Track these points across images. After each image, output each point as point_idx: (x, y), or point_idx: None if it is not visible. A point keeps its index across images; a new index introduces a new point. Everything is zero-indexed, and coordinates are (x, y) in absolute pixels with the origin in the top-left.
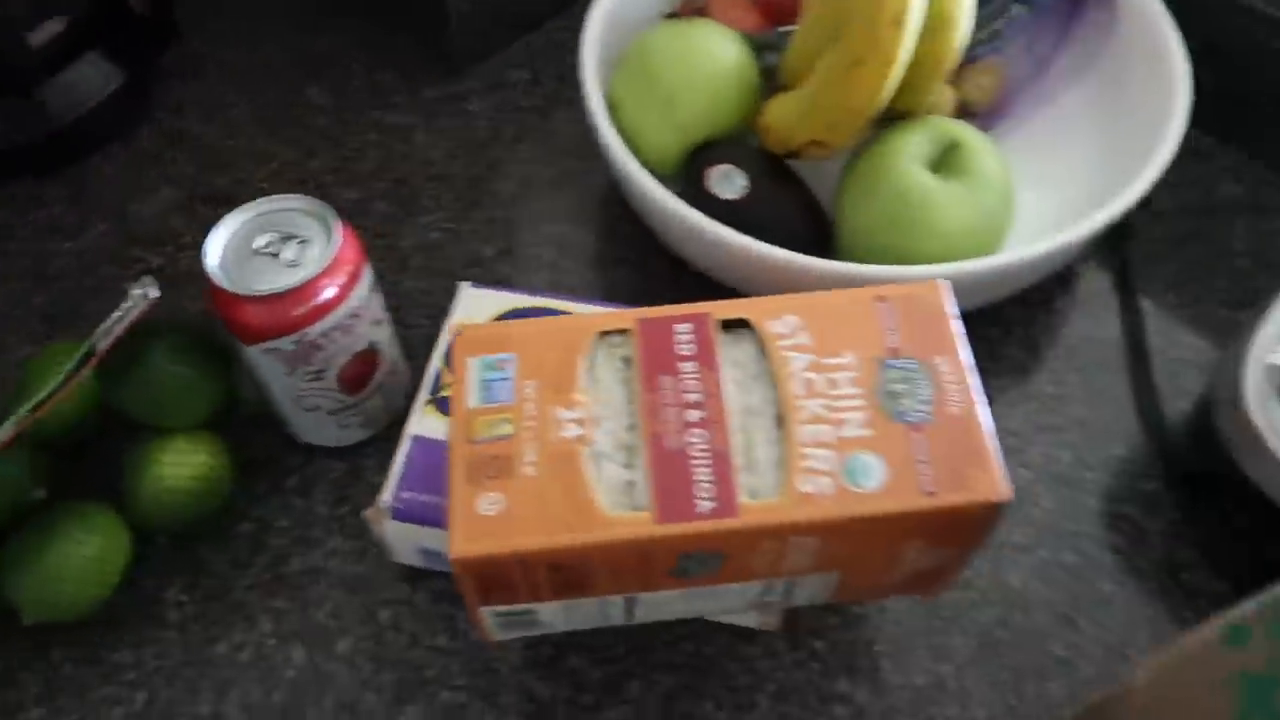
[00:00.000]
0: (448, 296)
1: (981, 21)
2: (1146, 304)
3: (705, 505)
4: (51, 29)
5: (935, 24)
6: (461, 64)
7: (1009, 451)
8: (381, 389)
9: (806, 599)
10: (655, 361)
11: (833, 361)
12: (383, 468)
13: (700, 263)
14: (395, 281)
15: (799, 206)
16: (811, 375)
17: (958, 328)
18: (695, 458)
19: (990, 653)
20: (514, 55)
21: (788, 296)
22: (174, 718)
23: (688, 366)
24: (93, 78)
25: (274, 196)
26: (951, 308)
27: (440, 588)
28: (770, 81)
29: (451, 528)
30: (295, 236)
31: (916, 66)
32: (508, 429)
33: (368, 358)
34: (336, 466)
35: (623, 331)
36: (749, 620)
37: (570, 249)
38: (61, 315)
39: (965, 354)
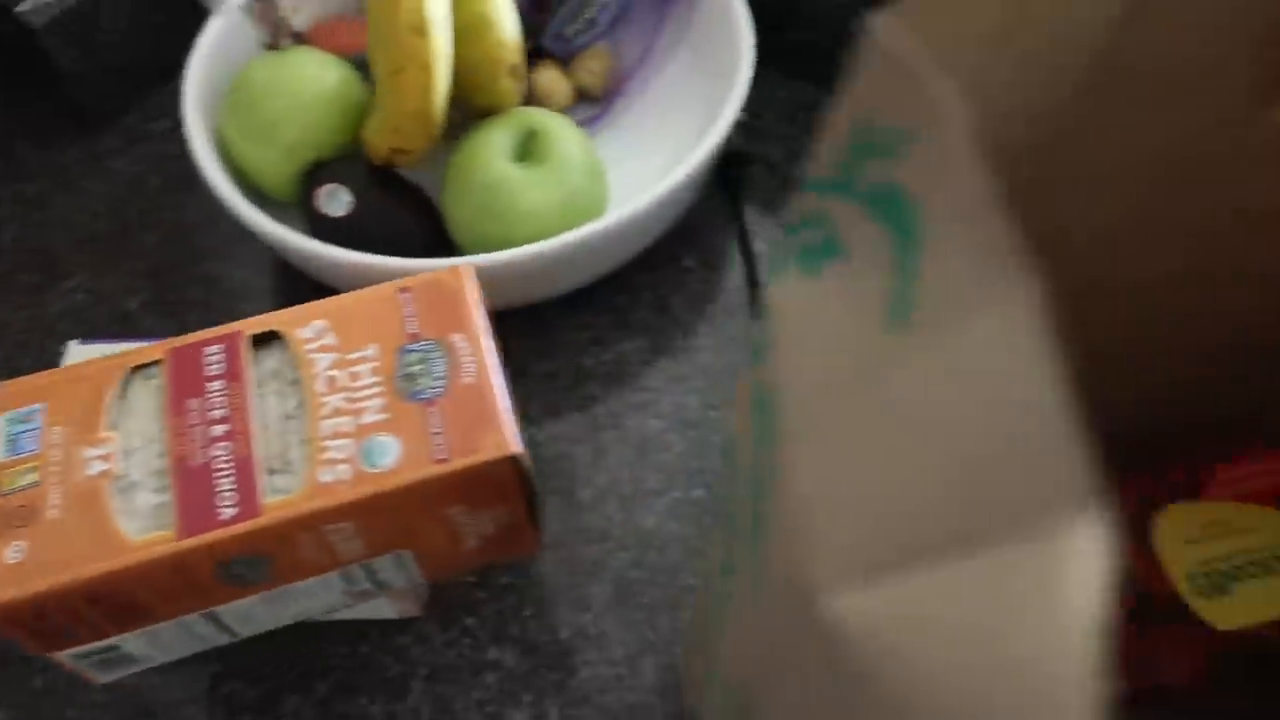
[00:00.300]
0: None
1: (574, 11)
2: (763, 247)
3: (228, 512)
4: None
5: (475, 26)
6: (95, 122)
7: (642, 406)
8: None
9: (398, 581)
10: (182, 386)
11: (355, 356)
12: None
13: (331, 284)
14: (41, 349)
15: (411, 213)
16: (335, 372)
17: (476, 305)
18: (218, 470)
19: (626, 594)
20: (153, 106)
21: (316, 303)
22: None
23: (215, 385)
24: None
25: None
26: (472, 286)
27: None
28: None
29: None
30: None
31: (475, 67)
32: (33, 477)
33: None
34: None
35: (158, 363)
36: (388, 612)
37: (218, 286)
38: None
39: (481, 326)
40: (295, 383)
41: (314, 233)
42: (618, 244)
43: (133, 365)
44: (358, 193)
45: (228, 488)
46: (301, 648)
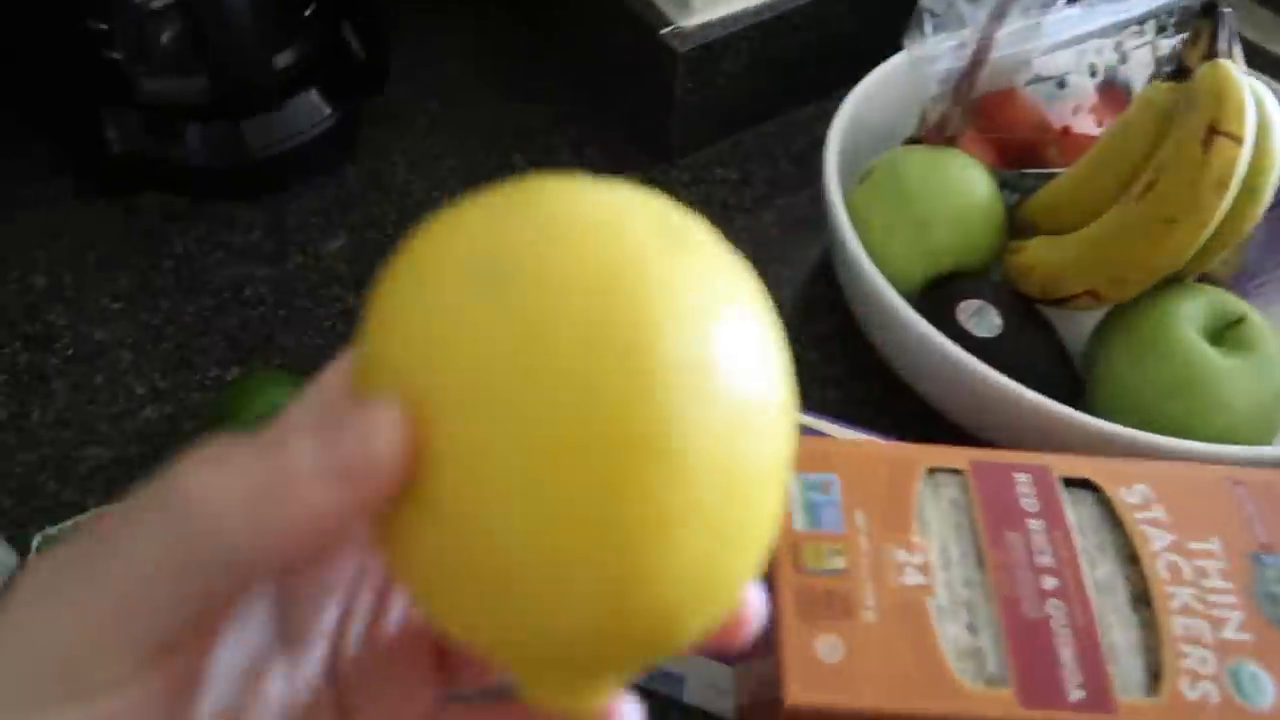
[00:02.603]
0: None
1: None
2: None
3: (1076, 694)
4: (281, 60)
5: (1242, 193)
6: (668, 155)
7: None
8: None
9: None
10: (998, 512)
11: (1198, 546)
12: None
13: (933, 397)
14: None
15: (1050, 353)
16: (1176, 558)
17: None
18: (1057, 633)
19: None
20: (722, 153)
21: (1133, 462)
22: None
23: (1034, 524)
24: (306, 112)
25: None
26: None
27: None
28: (1010, 221)
29: (784, 668)
30: None
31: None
32: (840, 563)
33: None
34: None
35: (953, 471)
36: None
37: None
38: (251, 342)
39: None
40: (1104, 548)
41: None
42: None
43: (929, 466)
44: (1005, 317)
45: (1071, 661)
46: None
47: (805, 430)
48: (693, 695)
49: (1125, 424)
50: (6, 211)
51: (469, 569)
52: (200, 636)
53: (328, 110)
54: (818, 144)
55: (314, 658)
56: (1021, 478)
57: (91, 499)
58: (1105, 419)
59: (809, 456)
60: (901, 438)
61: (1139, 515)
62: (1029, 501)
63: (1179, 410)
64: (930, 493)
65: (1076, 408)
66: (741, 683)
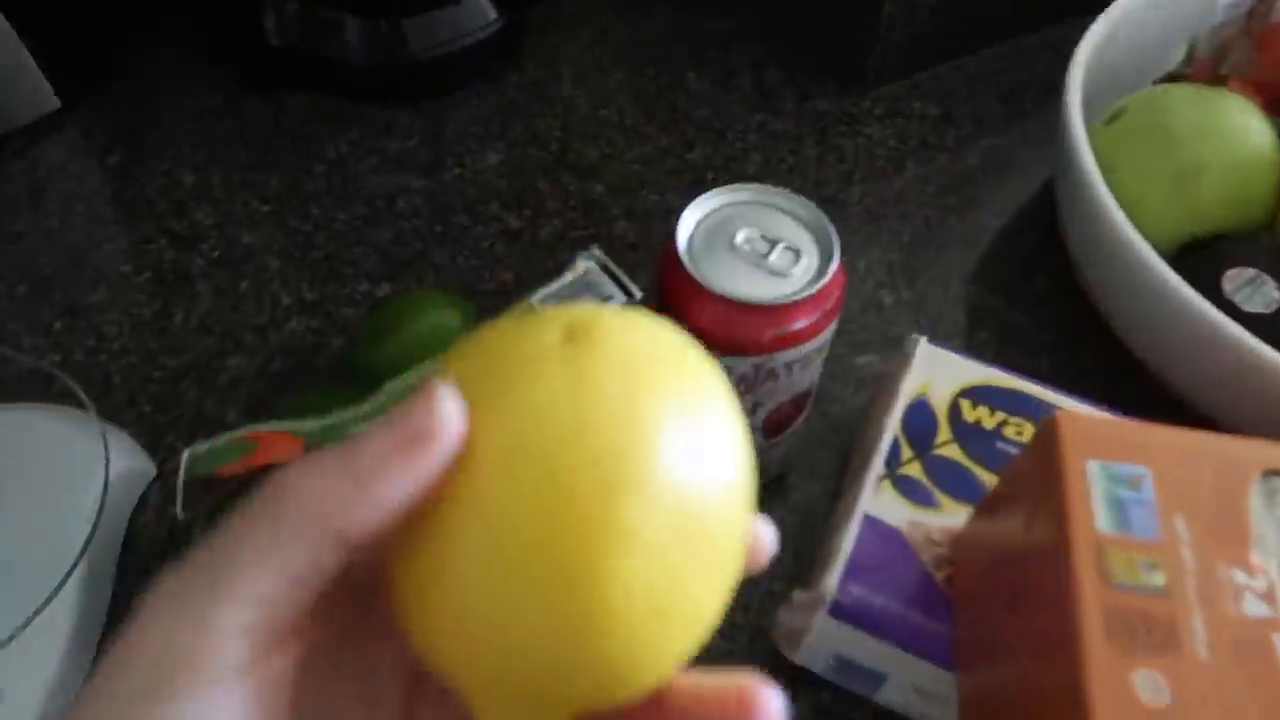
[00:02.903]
0: (853, 334)
1: None
2: None
3: None
4: None
5: None
6: (862, 83)
7: None
8: (787, 438)
9: None
10: None
11: None
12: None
13: (1178, 379)
14: None
15: None
16: None
17: None
18: None
19: None
20: (921, 85)
21: None
22: None
23: None
24: (472, 14)
25: (760, 187)
26: None
27: (825, 702)
28: None
29: (1095, 705)
30: (783, 242)
31: None
32: (1160, 579)
33: (800, 402)
34: None
35: None
36: None
37: (985, 319)
38: (403, 257)
39: None
40: None
41: None
42: None
43: (1266, 469)
44: None
45: None
46: None
47: (1050, 409)
48: (890, 697)
49: None
50: (160, 102)
51: (455, 613)
52: (300, 635)
53: (494, 14)
54: (1032, 79)
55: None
56: None
57: (232, 411)
58: None
59: (1115, 443)
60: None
61: None
62: None
63: None
64: (1263, 500)
65: None
66: (974, 693)
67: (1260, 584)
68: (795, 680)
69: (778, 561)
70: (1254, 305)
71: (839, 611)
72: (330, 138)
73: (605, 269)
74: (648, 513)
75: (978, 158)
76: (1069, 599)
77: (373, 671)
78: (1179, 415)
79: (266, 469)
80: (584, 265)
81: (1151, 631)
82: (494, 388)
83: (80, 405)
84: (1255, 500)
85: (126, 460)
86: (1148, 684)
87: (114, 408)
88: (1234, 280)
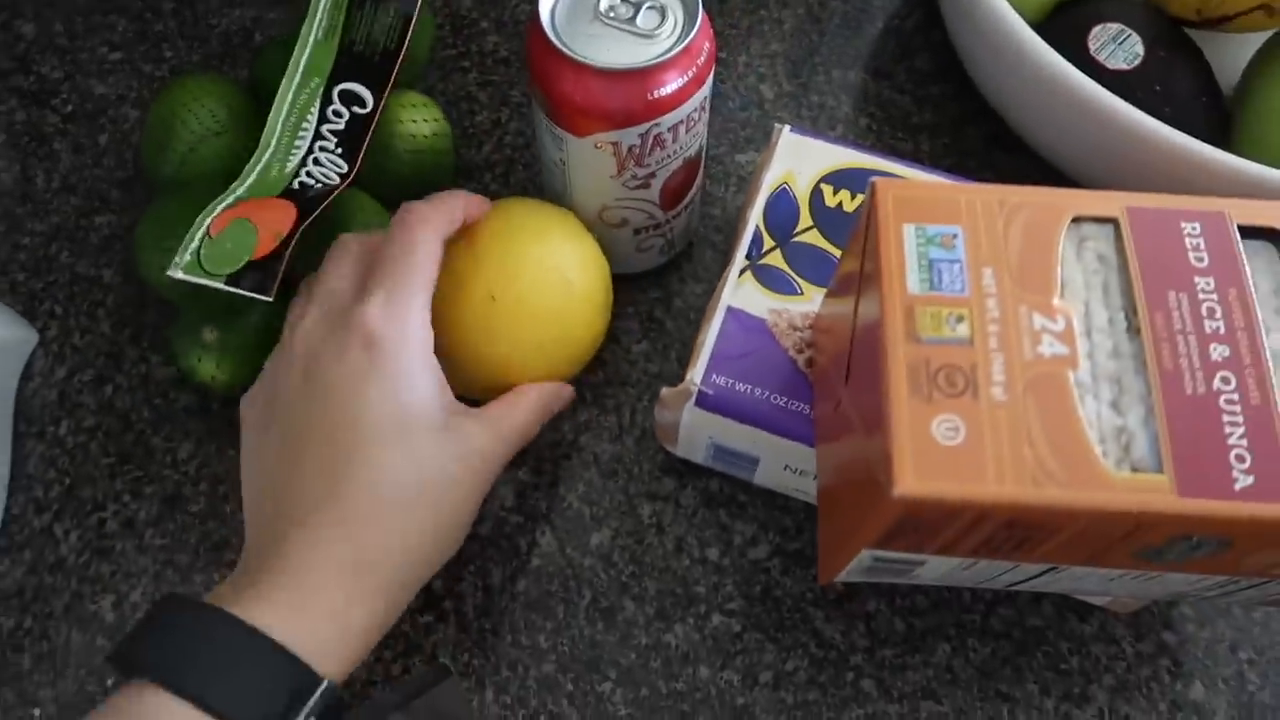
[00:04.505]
0: (734, 133)
1: None
2: None
3: (1244, 481)
4: None
5: None
6: None
7: None
8: (689, 209)
9: (1252, 599)
10: (1158, 269)
11: None
12: (646, 331)
13: (1047, 145)
14: None
15: (1198, 88)
16: None
17: None
18: (1226, 412)
19: None
20: None
21: None
22: None
23: (1204, 283)
24: None
25: None
26: None
27: (713, 489)
28: None
29: (895, 454)
30: (646, 3)
31: None
32: (964, 330)
33: (692, 168)
34: None
35: (1102, 221)
36: (1095, 598)
37: (867, 104)
38: None
39: None
40: None
41: None
42: None
43: (1075, 214)
44: (1148, 44)
45: (1239, 445)
46: (954, 592)
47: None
48: (765, 478)
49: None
50: None
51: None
52: None
53: None
54: None
55: None
56: (1190, 227)
57: (107, 272)
58: (1260, 163)
59: (929, 205)
60: None
61: None
62: (1198, 256)
63: None
64: (1073, 247)
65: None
66: (826, 464)
67: (1059, 326)
68: (683, 474)
69: (664, 365)
70: (1117, 61)
71: (705, 402)
72: None
73: None
74: (512, 310)
75: None
76: (881, 360)
77: None
78: (1055, 184)
79: (292, 236)
80: None
81: (953, 380)
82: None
83: None
84: (1065, 247)
85: (5, 330)
86: (945, 427)
87: None
88: (1099, 37)
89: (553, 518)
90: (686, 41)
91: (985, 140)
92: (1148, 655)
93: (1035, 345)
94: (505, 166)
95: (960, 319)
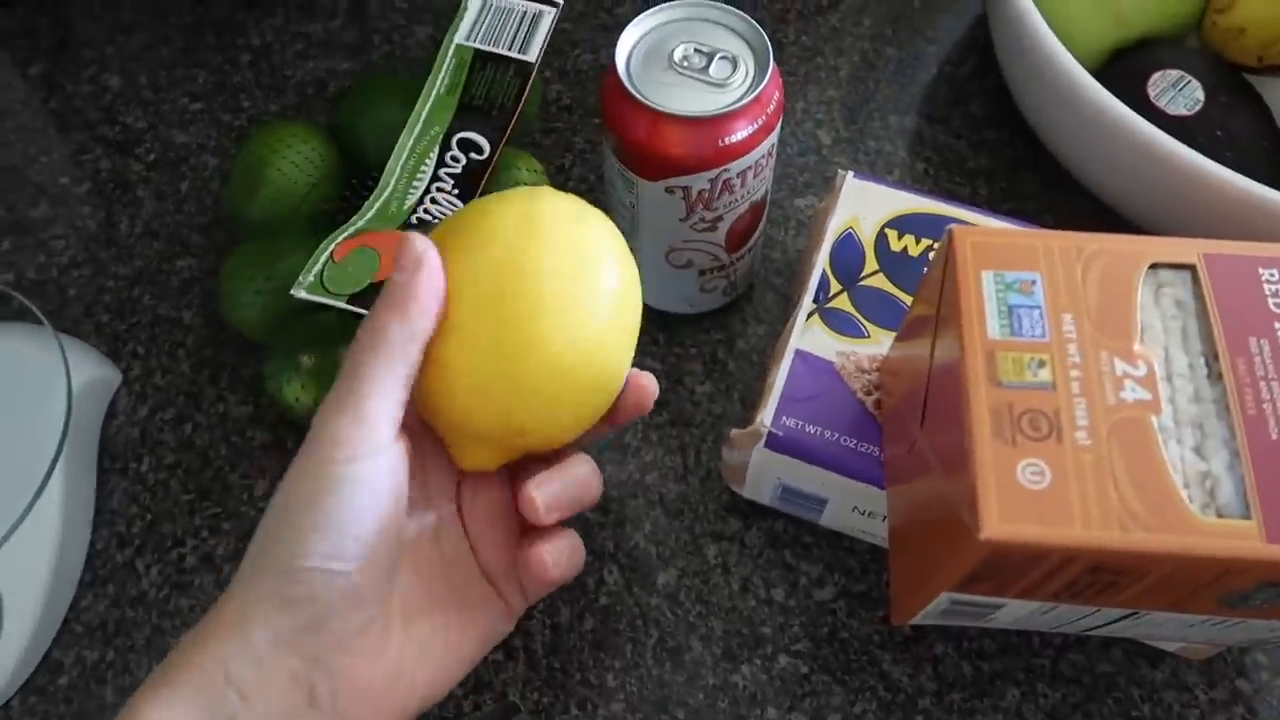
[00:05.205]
0: (793, 178)
1: None
2: None
3: None
4: None
5: None
6: None
7: None
8: (752, 251)
9: None
10: (1239, 315)
11: None
12: (710, 372)
13: (1108, 190)
14: None
15: (1259, 133)
16: None
17: None
18: None
19: None
20: None
21: None
22: None
23: None
24: None
25: (692, 2)
26: None
27: (778, 530)
28: None
29: (981, 497)
30: (720, 53)
31: None
32: (1046, 375)
33: (757, 211)
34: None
35: (1178, 267)
36: (1170, 644)
37: (923, 148)
38: None
39: None
40: None
41: None
42: None
43: (1153, 261)
44: (1208, 91)
45: None
46: (1023, 637)
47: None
48: (833, 519)
49: None
50: (74, 7)
51: (444, 387)
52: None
53: None
54: None
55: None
56: (1269, 273)
57: (187, 313)
58: None
59: (1007, 251)
60: None
61: None
62: (1277, 301)
63: None
64: (1150, 293)
65: None
66: (899, 506)
67: (1140, 371)
68: (748, 514)
69: (727, 405)
70: (1178, 107)
71: (774, 443)
72: (253, 25)
73: None
74: (550, 333)
75: None
76: (964, 405)
77: (428, 478)
78: (1114, 228)
79: None
80: (477, 1)
81: (1037, 424)
82: (465, 248)
83: (37, 321)
84: (1143, 293)
85: (91, 370)
86: (1030, 470)
87: (72, 320)
88: (1158, 84)
89: (619, 557)
90: (758, 91)
91: (1042, 184)
92: (1221, 702)
93: (1118, 390)
94: None
95: (1042, 364)
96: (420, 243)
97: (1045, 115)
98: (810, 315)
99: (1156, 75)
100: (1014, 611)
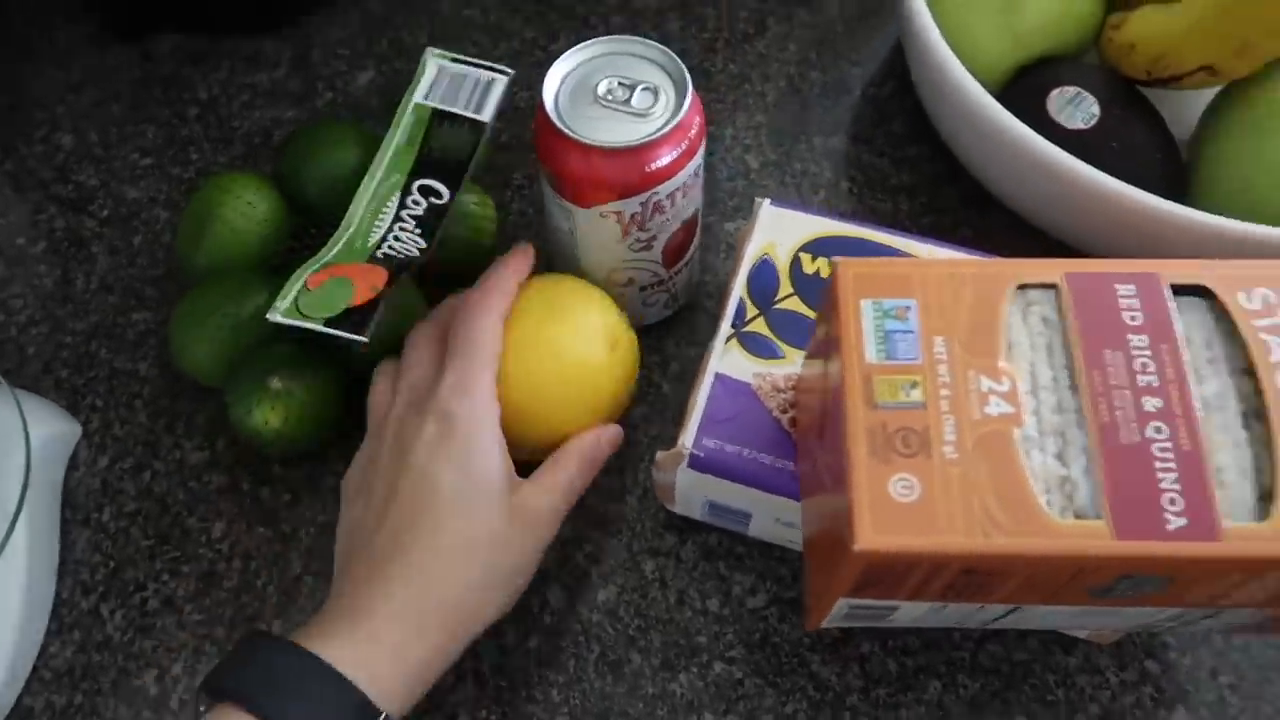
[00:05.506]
0: (723, 203)
1: None
2: None
3: (1176, 523)
4: None
5: None
6: None
7: None
8: (689, 264)
9: (1211, 628)
10: (1096, 329)
11: None
12: (645, 394)
13: (1019, 204)
14: None
15: (1154, 143)
16: None
17: None
18: (1159, 459)
19: None
20: None
21: (1250, 264)
22: None
23: (1137, 340)
24: None
25: (613, 38)
26: None
27: (712, 543)
28: None
29: (855, 512)
30: (641, 84)
31: None
32: (918, 395)
33: (689, 227)
34: None
35: (1044, 286)
36: (1078, 631)
37: (848, 167)
38: None
39: None
40: (1215, 361)
41: None
42: None
43: (1019, 283)
44: (1104, 105)
45: (1172, 488)
46: (943, 631)
47: (881, 249)
48: (759, 530)
49: (1238, 218)
50: (24, 70)
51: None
52: None
53: None
54: None
55: None
56: (1124, 289)
57: (143, 365)
58: (1215, 214)
59: (885, 280)
60: (986, 253)
61: (1258, 323)
62: (1132, 315)
63: None
64: (1020, 312)
65: (1182, 203)
66: (809, 518)
67: (1005, 387)
68: (683, 529)
69: (662, 427)
70: (1075, 122)
71: (697, 464)
72: (200, 79)
73: (455, 61)
74: (555, 375)
75: (837, 7)
76: (843, 427)
77: None
78: (1031, 239)
79: (387, 288)
80: (435, 65)
81: (908, 441)
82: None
83: None
84: (1012, 312)
85: (51, 425)
86: (901, 485)
87: (32, 377)
88: (1056, 100)
89: (563, 576)
90: (679, 118)
91: (961, 199)
92: (1131, 683)
93: (983, 406)
94: (513, 242)
95: (914, 385)
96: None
97: (956, 134)
98: (729, 339)
99: (1055, 92)
100: (910, 612)
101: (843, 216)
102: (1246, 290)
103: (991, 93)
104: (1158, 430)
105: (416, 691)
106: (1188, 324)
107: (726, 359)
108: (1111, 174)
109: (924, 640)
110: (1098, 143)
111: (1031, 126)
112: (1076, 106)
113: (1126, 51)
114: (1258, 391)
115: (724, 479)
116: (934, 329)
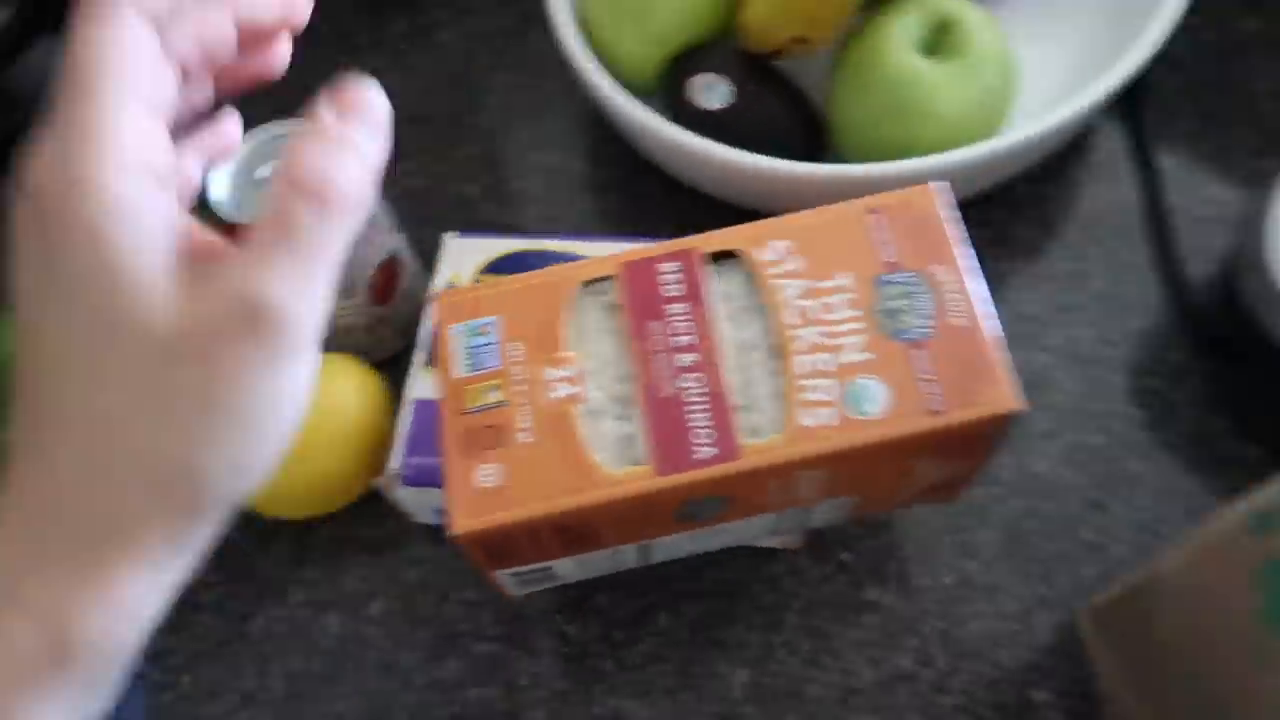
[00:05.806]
0: (438, 247)
1: None
2: (1166, 162)
3: (705, 452)
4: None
5: None
6: None
7: (1026, 337)
8: (405, 296)
9: (822, 522)
10: (642, 306)
11: (827, 285)
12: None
13: (692, 180)
14: None
15: (789, 110)
16: (806, 302)
17: (955, 232)
18: (691, 403)
19: (1018, 544)
20: None
21: (775, 221)
22: (219, 695)
23: (676, 308)
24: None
25: (275, 123)
26: (946, 211)
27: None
28: None
29: (450, 504)
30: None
31: None
32: (498, 396)
33: (390, 267)
34: None
35: (607, 278)
36: (770, 542)
37: (559, 179)
38: None
39: (965, 259)
40: (750, 309)
41: (682, 126)
42: (1024, 158)
43: (584, 280)
44: (737, 84)
45: (702, 424)
46: (668, 568)
47: (559, 257)
48: (430, 517)
49: (860, 160)
50: None
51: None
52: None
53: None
54: None
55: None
56: (666, 267)
57: None
58: (850, 160)
59: (470, 304)
60: (683, 231)
61: (773, 271)
62: (673, 288)
63: (898, 133)
64: (591, 304)
65: (826, 159)
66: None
67: (567, 372)
68: (435, 534)
69: None
70: (713, 104)
71: (409, 480)
72: None
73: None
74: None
75: (540, 31)
76: (442, 437)
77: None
78: (719, 211)
79: None
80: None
81: (490, 437)
82: None
83: None
84: (584, 304)
85: None
86: (484, 474)
87: None
88: (694, 86)
89: (339, 602)
90: None
91: (662, 187)
92: (829, 574)
93: (550, 392)
94: None
95: (495, 388)
96: None
97: (629, 134)
98: (425, 365)
99: (694, 79)
100: (567, 567)
101: (529, 234)
102: (764, 245)
103: (651, 91)
104: (695, 380)
105: None
106: (729, 283)
107: (421, 384)
108: (757, 144)
109: (650, 579)
110: (735, 120)
111: (681, 113)
112: (712, 90)
113: (745, 32)
114: (778, 330)
115: (435, 488)
116: (511, 337)
